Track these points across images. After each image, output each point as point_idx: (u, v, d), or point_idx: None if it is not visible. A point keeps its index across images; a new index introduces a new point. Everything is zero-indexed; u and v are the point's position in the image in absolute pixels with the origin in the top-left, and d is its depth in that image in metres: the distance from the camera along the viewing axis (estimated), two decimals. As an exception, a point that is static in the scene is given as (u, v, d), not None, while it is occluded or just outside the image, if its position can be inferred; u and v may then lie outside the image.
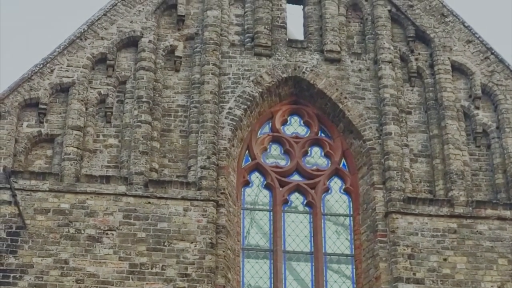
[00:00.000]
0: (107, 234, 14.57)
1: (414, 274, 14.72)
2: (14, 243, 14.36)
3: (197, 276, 14.36)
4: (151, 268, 14.35)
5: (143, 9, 16.84)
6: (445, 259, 14.85)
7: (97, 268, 14.23)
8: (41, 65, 15.92)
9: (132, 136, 15.41)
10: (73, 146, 15.14)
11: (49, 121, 15.55)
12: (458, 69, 17.02)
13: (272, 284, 15.38)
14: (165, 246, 14.56)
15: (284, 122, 16.62)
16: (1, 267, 14.08)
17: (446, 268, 14.87)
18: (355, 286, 15.47)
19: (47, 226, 14.47)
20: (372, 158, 15.87)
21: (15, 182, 14.65)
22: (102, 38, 16.45)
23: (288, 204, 15.95)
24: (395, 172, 15.55)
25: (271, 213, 15.84)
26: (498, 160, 16.00)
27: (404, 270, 14.66)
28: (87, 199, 14.76)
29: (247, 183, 16.07)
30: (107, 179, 14.92)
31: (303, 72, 16.56)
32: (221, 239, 14.86)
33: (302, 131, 16.62)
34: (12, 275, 14.15)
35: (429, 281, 14.71)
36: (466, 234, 15.17)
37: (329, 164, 16.25)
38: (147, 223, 14.72)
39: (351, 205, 16.08)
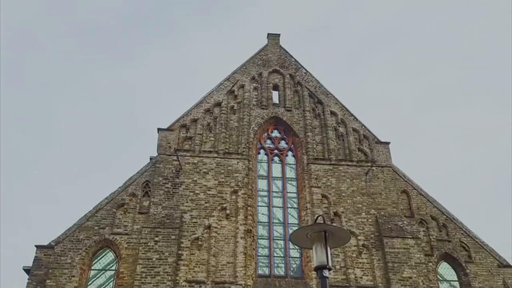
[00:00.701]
0: (209, 173, 15.09)
1: (317, 184, 15.14)
2: (178, 174, 14.89)
3: (239, 187, 14.94)
4: (225, 185, 15.04)
5: (221, 93, 16.97)
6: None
7: (204, 182, 14.91)
8: (192, 109, 16.54)
9: (217, 137, 15.95)
10: (196, 139, 15.74)
11: (190, 131, 16.00)
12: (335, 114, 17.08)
13: (268, 186, 15.84)
14: (229, 176, 15.07)
15: (272, 132, 16.93)
16: (172, 183, 14.66)
17: (333, 180, 15.40)
18: (297, 189, 15.73)
19: (189, 168, 15.05)
20: (302, 144, 16.24)
21: (179, 151, 15.25)
22: (209, 102, 16.75)
23: (273, 160, 16.40)
24: (310, 148, 16.02)
25: (267, 163, 16.30)
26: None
27: (314, 182, 15.21)
28: (203, 158, 15.34)
29: (259, 153, 16.48)
30: (210, 152, 15.57)
31: (278, 114, 16.92)
32: (250, 173, 15.34)
33: (278, 135, 16.94)
34: (175, 185, 14.68)
35: (323, 187, 15.17)
36: (341, 169, 15.69)
37: (287, 146, 16.66)
38: (223, 167, 15.25)
39: (295, 161, 16.38)
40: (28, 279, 12.54)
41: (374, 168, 15.84)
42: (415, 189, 15.81)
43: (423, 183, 16.47)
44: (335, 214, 14.81)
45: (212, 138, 16.14)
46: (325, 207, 14.93)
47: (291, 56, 18.79)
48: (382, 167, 15.97)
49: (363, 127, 17.03)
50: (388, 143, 16.57)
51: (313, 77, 18.23)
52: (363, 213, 14.92)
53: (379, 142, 16.64)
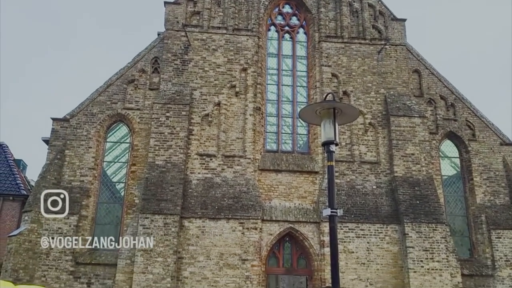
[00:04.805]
0: (218, 50, 14.31)
1: (328, 63, 14.48)
2: (187, 50, 14.09)
3: (249, 64, 14.25)
4: (234, 62, 14.57)
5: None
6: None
7: (213, 59, 14.34)
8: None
9: (226, 12, 14.75)
10: (204, 14, 14.72)
11: (197, 5, 14.82)
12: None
13: (278, 64, 15.29)
14: (239, 53, 14.27)
15: (283, 7, 15.79)
16: (181, 60, 14.04)
17: (344, 59, 14.69)
18: (307, 68, 15.19)
19: (198, 45, 14.27)
20: (314, 20, 15.24)
21: (186, 27, 14.41)
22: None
23: (284, 38, 15.51)
24: (322, 25, 15.01)
25: (277, 40, 15.50)
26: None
27: (325, 60, 14.57)
28: (212, 35, 14.45)
29: (269, 29, 15.55)
30: (219, 28, 14.64)
31: (290, -12, 15.61)
32: (260, 51, 14.61)
33: (290, 10, 15.78)
34: (184, 62, 14.06)
35: (333, 65, 14.53)
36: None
37: (299, 22, 15.74)
38: (232, 44, 14.36)
39: (307, 39, 15.49)
40: (48, 149, 13.17)
41: (387, 46, 15.15)
42: (427, 69, 15.39)
43: (435, 63, 15.97)
44: (344, 93, 14.56)
45: (221, 13, 15.18)
46: (334, 86, 14.61)
47: None
48: (396, 45, 15.27)
49: (379, 2, 15.91)
50: (404, 20, 15.68)
51: None
52: (372, 92, 14.62)
53: (395, 19, 15.73)
